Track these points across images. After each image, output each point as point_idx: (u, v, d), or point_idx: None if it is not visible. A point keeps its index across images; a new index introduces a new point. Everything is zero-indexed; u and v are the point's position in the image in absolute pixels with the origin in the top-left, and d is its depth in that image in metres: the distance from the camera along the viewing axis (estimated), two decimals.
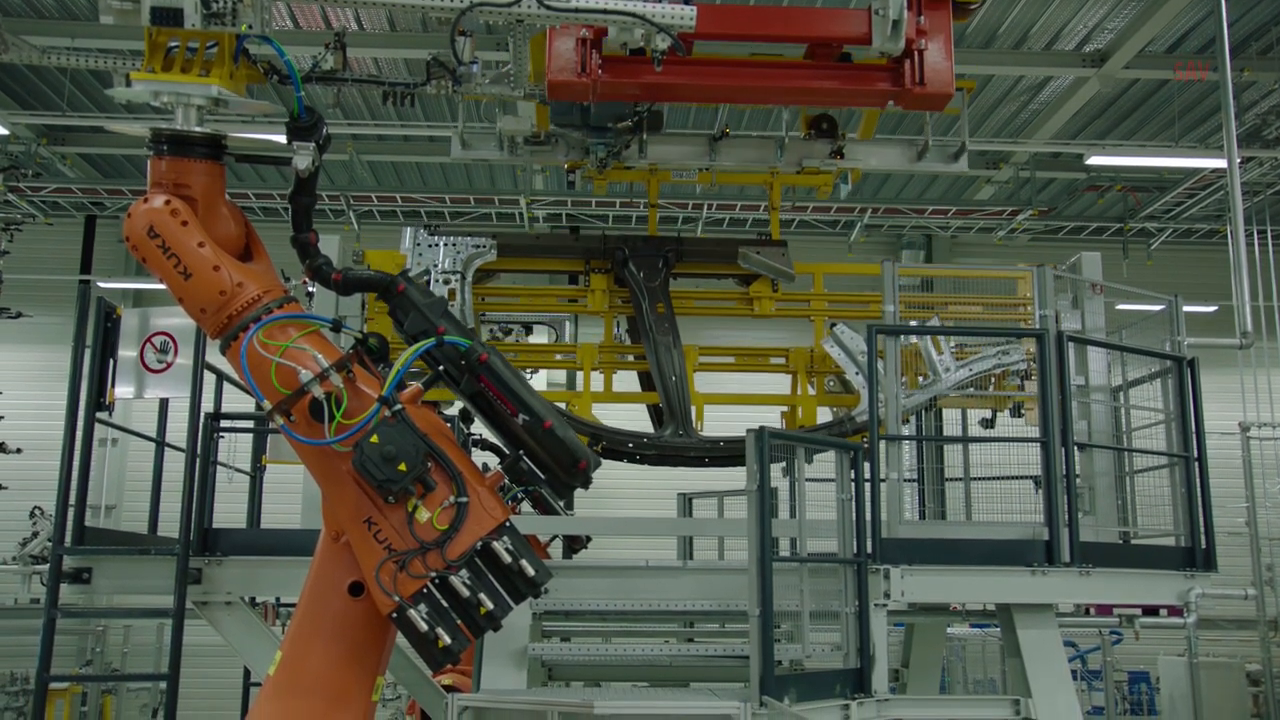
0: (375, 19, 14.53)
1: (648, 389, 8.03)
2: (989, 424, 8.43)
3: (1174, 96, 15.96)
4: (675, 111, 8.16)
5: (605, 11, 5.12)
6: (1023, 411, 8.15)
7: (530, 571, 4.73)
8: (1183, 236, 20.84)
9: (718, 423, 7.68)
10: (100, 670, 18.11)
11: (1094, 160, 17.37)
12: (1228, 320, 10.07)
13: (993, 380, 7.98)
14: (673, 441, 7.39)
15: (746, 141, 8.63)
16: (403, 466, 4.56)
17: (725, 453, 7.45)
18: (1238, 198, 9.52)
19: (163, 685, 10.96)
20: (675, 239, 8.22)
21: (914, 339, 7.66)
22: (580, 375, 8.14)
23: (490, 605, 4.65)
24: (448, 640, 4.60)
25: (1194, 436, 7.40)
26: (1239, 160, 10.98)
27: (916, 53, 6.48)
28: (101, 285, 19.19)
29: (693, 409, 7.62)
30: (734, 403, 8.38)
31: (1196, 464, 7.36)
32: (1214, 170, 17.26)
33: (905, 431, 7.50)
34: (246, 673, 8.99)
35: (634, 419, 8.40)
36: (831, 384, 8.31)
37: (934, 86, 6.52)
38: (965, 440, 8.23)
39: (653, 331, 7.77)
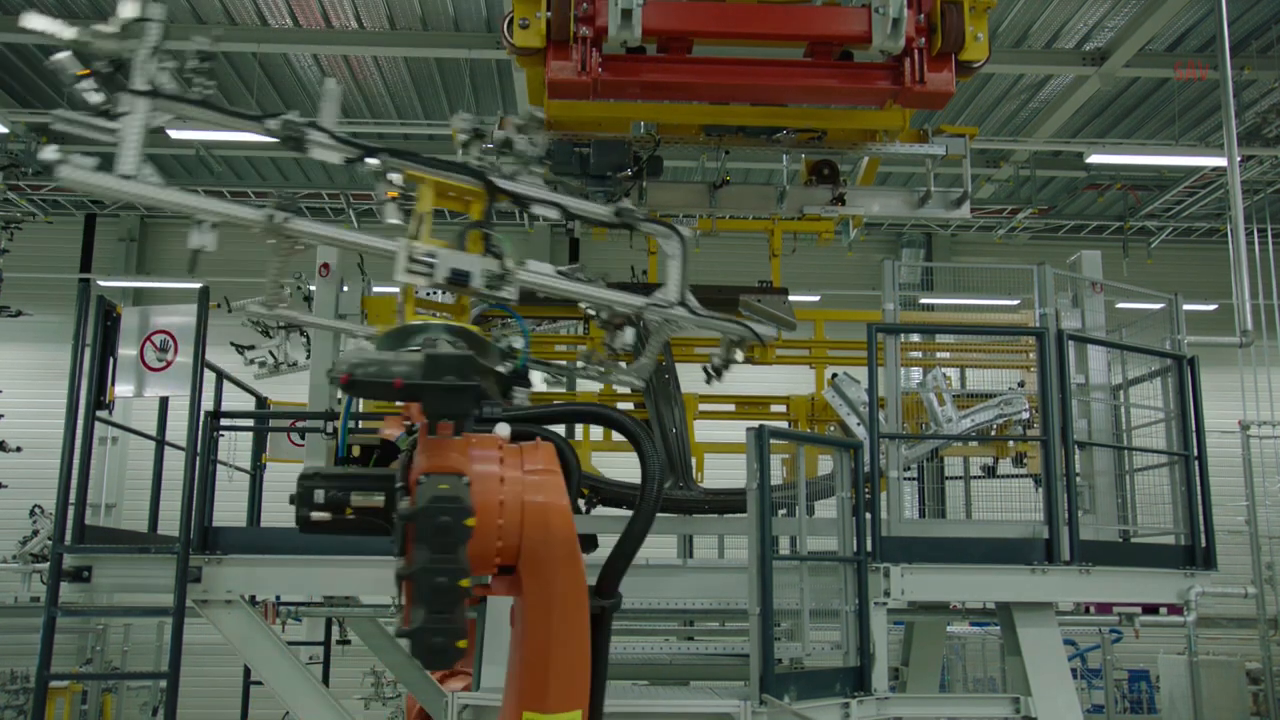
0: (375, 18, 14.52)
1: None
2: (991, 472, 8.46)
3: (1174, 95, 15.97)
4: (674, 160, 8.18)
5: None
6: (1025, 461, 8.18)
7: None
8: (1183, 235, 20.85)
9: (717, 470, 7.69)
10: (100, 669, 18.11)
11: (1094, 158, 17.36)
12: (1228, 318, 10.07)
13: (994, 430, 7.97)
14: (673, 495, 7.42)
15: (746, 188, 8.65)
16: None
17: (726, 505, 7.48)
18: (1238, 196, 9.52)
19: (163, 684, 10.97)
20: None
21: (914, 388, 7.65)
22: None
23: None
24: None
25: (1194, 435, 7.40)
26: (1239, 158, 10.98)
27: (917, 51, 6.48)
28: (101, 284, 19.21)
29: (693, 460, 7.60)
30: (734, 451, 8.33)
31: (1196, 462, 7.36)
32: (1214, 168, 17.28)
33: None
34: (246, 671, 9.01)
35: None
36: (833, 432, 8.30)
37: (934, 85, 6.52)
38: (964, 437, 8.21)
39: (652, 382, 7.75)
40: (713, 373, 5.77)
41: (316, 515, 4.11)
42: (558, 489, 3.82)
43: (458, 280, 5.21)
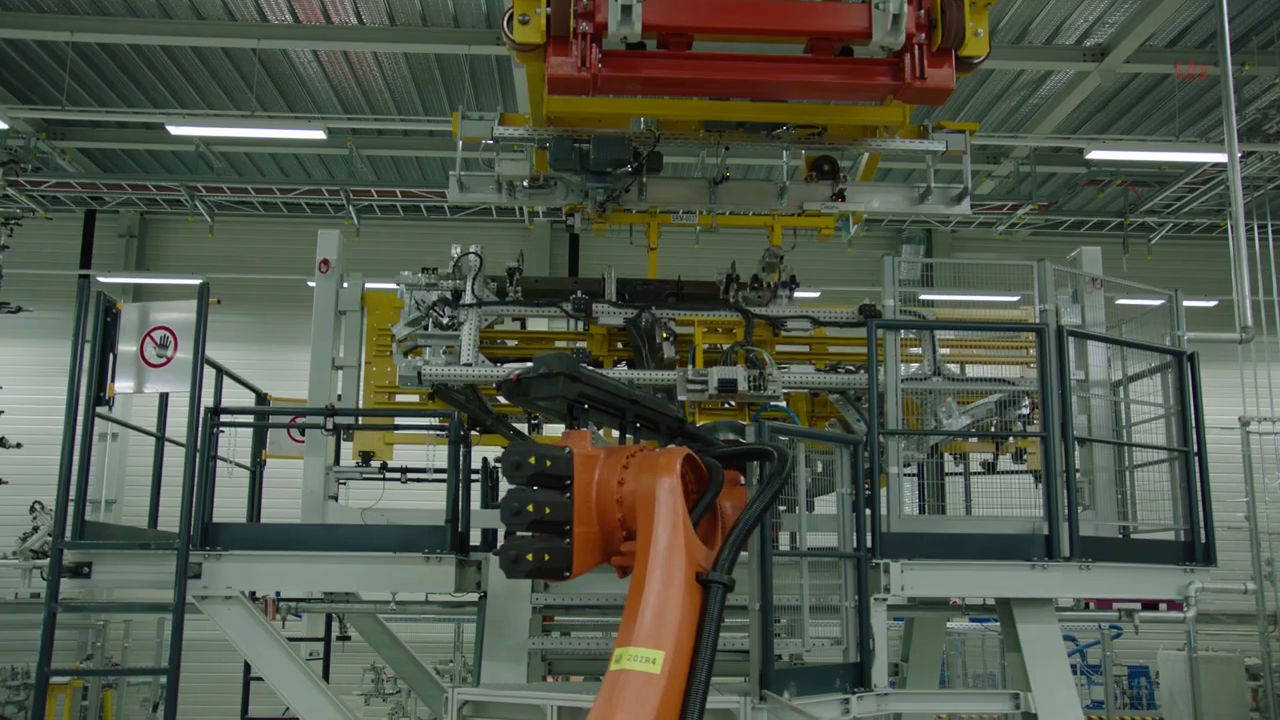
0: (375, 14, 14.50)
1: None
2: (991, 468, 8.45)
3: (1174, 91, 15.96)
4: (674, 156, 8.21)
5: None
6: (1024, 457, 8.16)
7: None
8: (1183, 231, 20.82)
9: None
10: (101, 665, 18.12)
11: (1094, 155, 17.35)
12: (1228, 315, 10.04)
13: (993, 427, 7.97)
14: None
15: (747, 184, 8.64)
16: None
17: None
18: (1238, 192, 9.49)
19: (163, 679, 10.96)
20: (675, 282, 8.20)
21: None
22: None
23: None
24: None
25: (1194, 431, 7.39)
26: (1239, 155, 10.96)
27: (917, 46, 6.47)
28: (101, 280, 19.18)
29: None
30: None
31: (1196, 458, 7.36)
32: (1214, 165, 17.24)
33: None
34: (247, 667, 9.01)
35: None
36: (832, 427, 8.29)
37: (935, 81, 6.51)
38: (965, 433, 8.21)
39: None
40: None
41: None
42: (667, 485, 4.86)
43: (726, 388, 7.16)
